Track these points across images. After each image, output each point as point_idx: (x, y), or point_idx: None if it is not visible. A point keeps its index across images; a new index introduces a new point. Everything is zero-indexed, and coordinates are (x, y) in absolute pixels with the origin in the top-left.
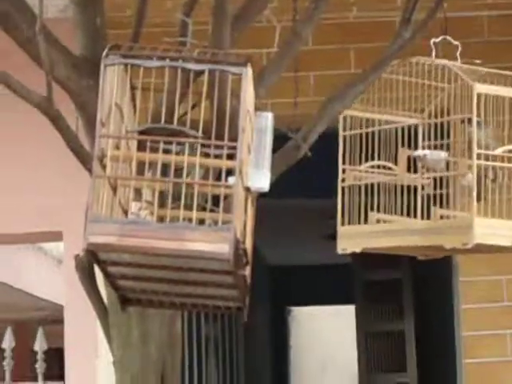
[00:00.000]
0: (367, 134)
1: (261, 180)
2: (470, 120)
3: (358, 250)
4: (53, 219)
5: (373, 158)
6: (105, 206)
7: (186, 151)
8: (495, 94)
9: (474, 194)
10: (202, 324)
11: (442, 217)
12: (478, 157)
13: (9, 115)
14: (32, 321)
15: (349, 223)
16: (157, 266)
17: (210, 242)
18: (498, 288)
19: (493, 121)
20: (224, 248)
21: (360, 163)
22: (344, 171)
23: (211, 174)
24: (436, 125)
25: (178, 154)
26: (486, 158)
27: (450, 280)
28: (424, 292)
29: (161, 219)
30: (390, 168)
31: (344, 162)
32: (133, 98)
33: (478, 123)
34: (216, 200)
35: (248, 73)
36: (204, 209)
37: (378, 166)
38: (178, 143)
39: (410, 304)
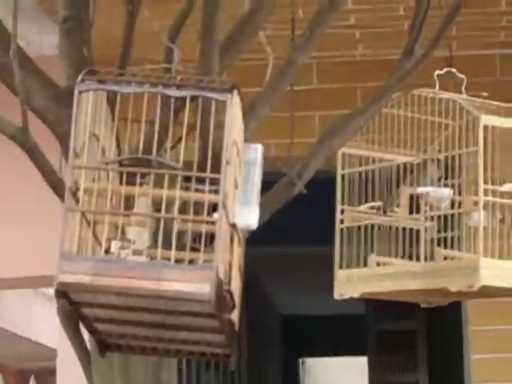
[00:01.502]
0: (367, 172)
1: (248, 217)
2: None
3: (356, 295)
4: (49, 262)
5: (373, 198)
6: (79, 243)
7: (166, 184)
8: (504, 127)
9: (481, 232)
10: (203, 372)
11: (445, 258)
12: (486, 193)
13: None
14: (48, 370)
15: (347, 267)
16: (135, 308)
17: (190, 282)
18: (510, 338)
19: (501, 155)
20: (204, 288)
21: (359, 203)
22: (342, 212)
23: (191, 209)
24: (440, 163)
25: (141, 185)
26: (494, 194)
27: (460, 329)
28: (436, 342)
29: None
30: (391, 209)
31: (343, 203)
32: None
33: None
34: (205, 238)
35: (234, 100)
36: (193, 248)
37: (379, 208)
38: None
39: (423, 355)
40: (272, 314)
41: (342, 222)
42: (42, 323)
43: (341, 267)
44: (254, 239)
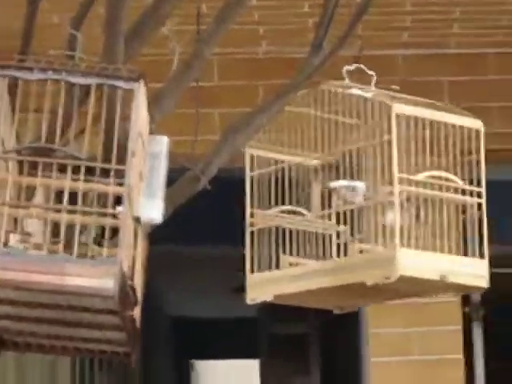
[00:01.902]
0: (277, 173)
1: (152, 210)
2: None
3: (269, 298)
4: None
5: (283, 201)
6: None
7: (69, 175)
8: (415, 116)
9: (397, 223)
10: (96, 372)
11: (361, 252)
12: (400, 182)
13: None
14: None
15: (258, 270)
16: (34, 304)
17: (93, 277)
18: (407, 341)
19: (414, 144)
20: (108, 283)
21: (269, 206)
22: (252, 215)
23: (94, 201)
24: (352, 165)
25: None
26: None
27: (358, 332)
28: (332, 345)
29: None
30: (298, 212)
31: (252, 205)
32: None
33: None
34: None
35: (140, 89)
36: (98, 243)
37: (289, 212)
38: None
39: (316, 359)
40: (163, 316)
41: (252, 224)
42: None
43: (252, 271)
44: (153, 237)
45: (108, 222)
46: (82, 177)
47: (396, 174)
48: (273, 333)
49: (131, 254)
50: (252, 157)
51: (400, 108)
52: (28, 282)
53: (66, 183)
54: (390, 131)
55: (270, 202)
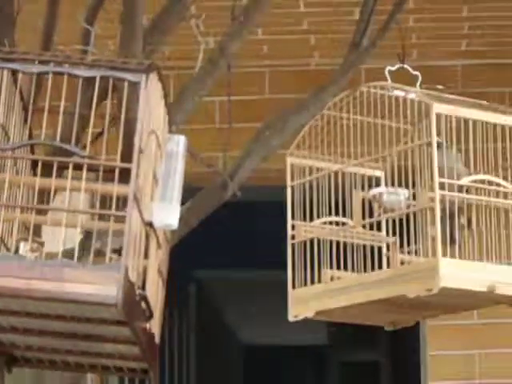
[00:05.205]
0: (318, 182)
1: (168, 215)
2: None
3: (310, 314)
4: None
5: (330, 211)
6: None
7: (70, 173)
8: (457, 116)
9: (438, 231)
10: None
11: (402, 263)
12: (441, 187)
13: None
14: None
15: (302, 285)
16: (36, 315)
17: (94, 284)
18: (470, 364)
19: (456, 148)
20: (110, 290)
21: (311, 216)
22: (293, 227)
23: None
24: (400, 173)
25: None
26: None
27: (417, 354)
28: (398, 371)
29: None
30: (344, 224)
31: (293, 217)
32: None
33: (439, 146)
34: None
35: (149, 82)
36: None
37: (335, 222)
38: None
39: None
40: (234, 344)
41: (293, 237)
42: None
43: (294, 286)
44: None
45: (111, 224)
46: (84, 176)
47: (437, 179)
48: (344, 360)
49: (141, 261)
50: (292, 166)
51: (440, 108)
52: (24, 290)
53: (67, 184)
54: (429, 132)
55: (312, 213)
